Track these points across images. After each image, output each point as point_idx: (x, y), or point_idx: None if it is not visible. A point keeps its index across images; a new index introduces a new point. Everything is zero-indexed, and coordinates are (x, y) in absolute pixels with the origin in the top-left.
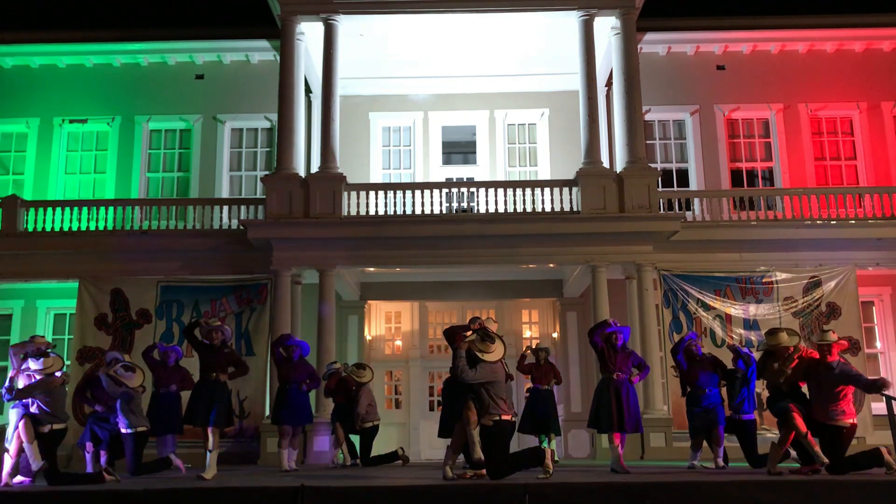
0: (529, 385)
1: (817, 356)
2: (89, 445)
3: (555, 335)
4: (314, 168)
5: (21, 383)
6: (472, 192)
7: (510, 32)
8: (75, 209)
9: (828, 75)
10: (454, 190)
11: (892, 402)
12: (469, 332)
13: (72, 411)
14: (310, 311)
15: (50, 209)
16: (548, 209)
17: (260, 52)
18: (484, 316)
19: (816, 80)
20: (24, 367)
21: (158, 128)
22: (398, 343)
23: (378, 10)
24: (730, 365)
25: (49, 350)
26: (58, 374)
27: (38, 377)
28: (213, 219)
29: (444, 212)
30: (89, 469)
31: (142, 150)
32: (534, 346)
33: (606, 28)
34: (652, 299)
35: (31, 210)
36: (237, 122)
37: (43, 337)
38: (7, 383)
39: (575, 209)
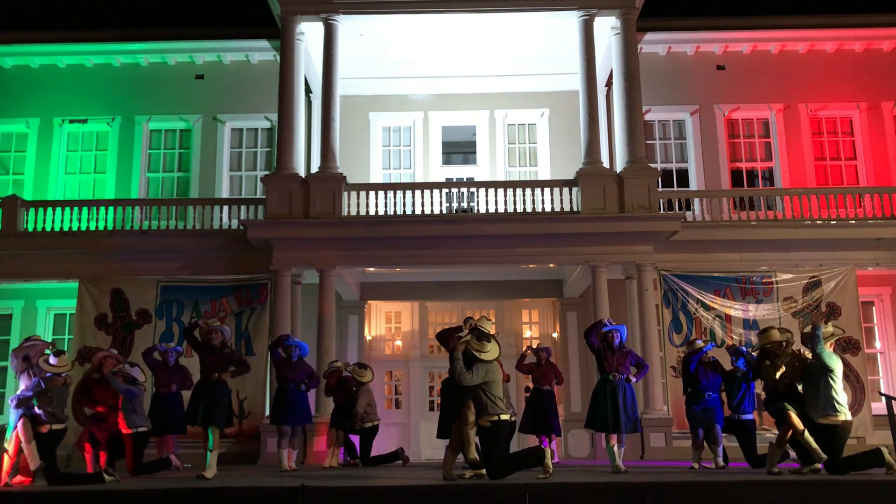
0: (530, 385)
1: (809, 355)
2: (88, 446)
3: (555, 335)
4: (314, 168)
5: (23, 384)
6: (472, 192)
7: (510, 32)
8: (75, 209)
9: (828, 75)
10: (454, 190)
11: (892, 402)
12: (465, 332)
13: (71, 412)
14: (310, 311)
15: (50, 209)
16: (548, 209)
17: (260, 52)
18: (478, 316)
19: (816, 80)
20: (26, 366)
21: (158, 128)
22: (398, 343)
23: (378, 10)
24: (728, 366)
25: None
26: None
27: (47, 374)
28: (213, 219)
29: (444, 212)
30: (89, 469)
31: (142, 150)
32: (534, 346)
33: (606, 28)
34: (652, 299)
35: (31, 210)
36: (237, 122)
37: (38, 337)
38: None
39: (575, 209)
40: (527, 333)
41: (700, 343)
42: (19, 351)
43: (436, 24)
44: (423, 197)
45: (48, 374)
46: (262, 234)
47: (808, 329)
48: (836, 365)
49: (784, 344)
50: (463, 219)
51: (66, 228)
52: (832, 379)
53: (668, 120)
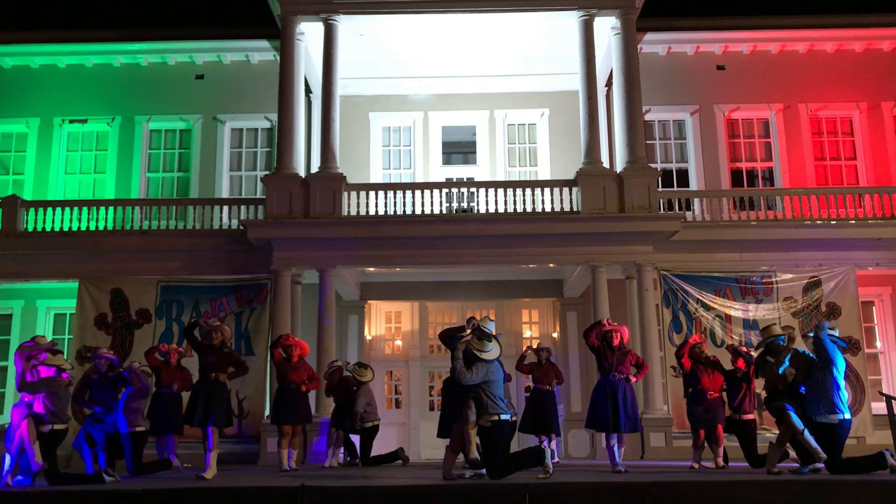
0: (530, 385)
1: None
2: (85, 447)
3: (555, 335)
4: (314, 168)
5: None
6: (472, 192)
7: (510, 32)
8: (75, 209)
9: (828, 75)
10: (454, 190)
11: (893, 402)
12: (467, 332)
13: (71, 412)
14: (310, 311)
15: (50, 209)
16: (548, 209)
17: (260, 52)
18: (480, 316)
19: (816, 80)
20: (32, 362)
21: (158, 128)
22: (398, 343)
23: (378, 10)
24: (728, 366)
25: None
26: (64, 374)
27: (48, 372)
28: (213, 219)
29: (444, 212)
30: (89, 469)
31: (142, 150)
32: (535, 346)
33: (606, 28)
34: (652, 299)
35: (31, 210)
36: (237, 122)
37: (44, 337)
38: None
39: (575, 209)
40: (527, 333)
41: (689, 337)
42: (24, 350)
43: (436, 24)
44: (423, 197)
45: (53, 374)
46: (262, 234)
47: (813, 329)
48: (840, 359)
49: (787, 339)
50: (463, 219)
51: (66, 228)
52: (836, 374)
53: (668, 120)
